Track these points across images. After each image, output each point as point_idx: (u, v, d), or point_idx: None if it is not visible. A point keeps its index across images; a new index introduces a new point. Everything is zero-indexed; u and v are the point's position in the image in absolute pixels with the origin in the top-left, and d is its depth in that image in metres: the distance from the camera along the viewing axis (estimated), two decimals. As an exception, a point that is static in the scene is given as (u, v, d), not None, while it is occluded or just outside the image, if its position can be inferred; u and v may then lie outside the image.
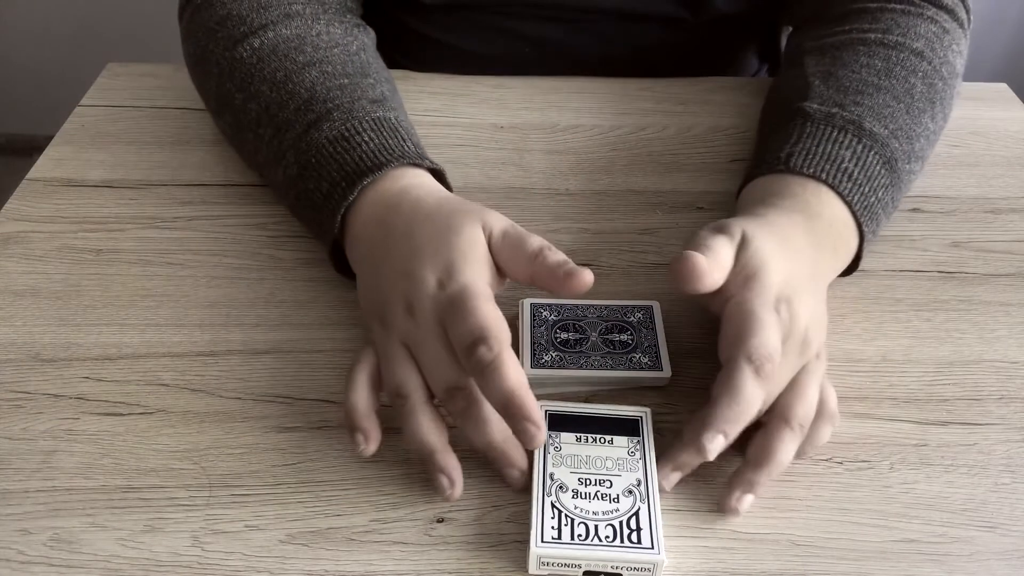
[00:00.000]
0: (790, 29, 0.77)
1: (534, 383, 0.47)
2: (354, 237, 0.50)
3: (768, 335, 0.42)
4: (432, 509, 0.42)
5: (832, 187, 0.51)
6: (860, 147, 0.53)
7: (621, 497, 0.41)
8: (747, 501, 0.42)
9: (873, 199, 0.52)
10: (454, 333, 0.41)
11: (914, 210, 0.61)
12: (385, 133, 0.52)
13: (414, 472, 0.44)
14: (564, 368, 0.47)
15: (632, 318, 0.50)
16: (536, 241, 0.45)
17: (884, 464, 0.45)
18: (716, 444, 0.41)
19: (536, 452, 0.43)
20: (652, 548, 0.39)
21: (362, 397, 0.43)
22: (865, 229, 0.51)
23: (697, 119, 0.69)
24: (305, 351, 0.50)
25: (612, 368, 0.47)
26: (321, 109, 0.53)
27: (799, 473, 0.44)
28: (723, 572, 0.40)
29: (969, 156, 0.67)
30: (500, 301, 0.52)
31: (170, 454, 0.44)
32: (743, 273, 0.45)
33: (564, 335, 0.49)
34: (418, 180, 0.51)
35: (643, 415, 0.45)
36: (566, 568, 0.40)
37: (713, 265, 0.44)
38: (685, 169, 0.64)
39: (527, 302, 0.50)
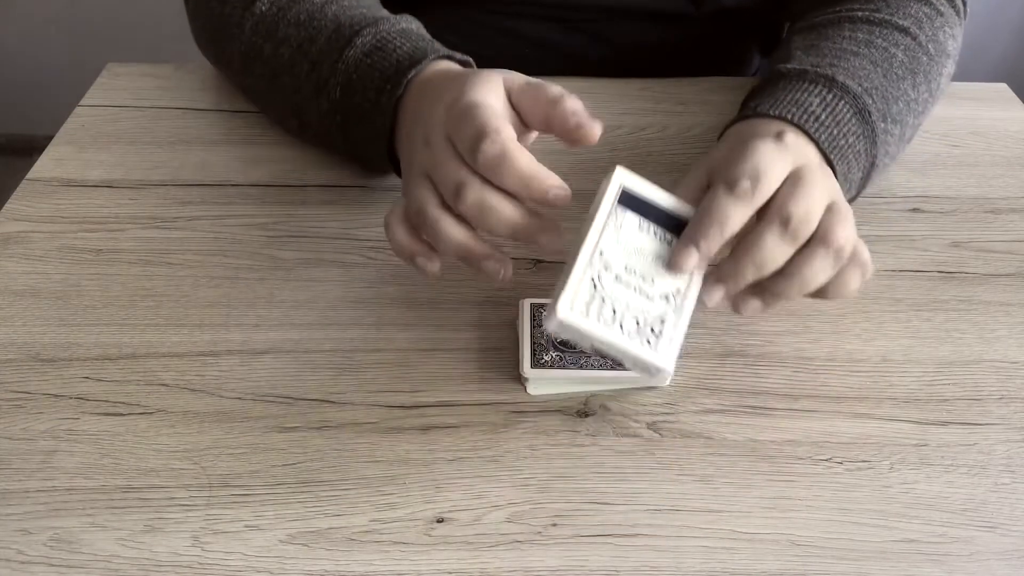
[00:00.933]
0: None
1: (534, 384, 0.47)
2: (401, 127, 0.53)
3: (753, 161, 0.42)
4: (432, 509, 0.42)
5: (798, 126, 0.51)
6: (830, 96, 0.53)
7: (656, 299, 0.41)
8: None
9: (843, 142, 0.52)
10: (458, 140, 0.42)
11: (914, 210, 0.61)
12: (414, 39, 0.56)
13: (414, 472, 0.44)
14: (564, 368, 0.47)
15: (632, 318, 0.50)
16: (557, 88, 0.45)
17: (884, 464, 0.45)
18: (689, 258, 0.41)
19: (597, 221, 0.42)
20: (662, 355, 0.40)
21: (401, 230, 0.44)
22: (836, 167, 0.51)
23: (697, 119, 0.69)
24: (305, 351, 0.50)
25: (612, 368, 0.47)
26: (349, 32, 0.57)
27: (799, 473, 0.44)
28: (723, 572, 0.40)
29: (969, 156, 0.67)
30: (500, 300, 0.53)
31: (170, 454, 0.44)
32: (729, 146, 0.45)
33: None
34: (454, 66, 0.54)
35: None
36: (579, 337, 0.40)
37: None
38: (685, 169, 0.64)
39: (527, 302, 0.50)
